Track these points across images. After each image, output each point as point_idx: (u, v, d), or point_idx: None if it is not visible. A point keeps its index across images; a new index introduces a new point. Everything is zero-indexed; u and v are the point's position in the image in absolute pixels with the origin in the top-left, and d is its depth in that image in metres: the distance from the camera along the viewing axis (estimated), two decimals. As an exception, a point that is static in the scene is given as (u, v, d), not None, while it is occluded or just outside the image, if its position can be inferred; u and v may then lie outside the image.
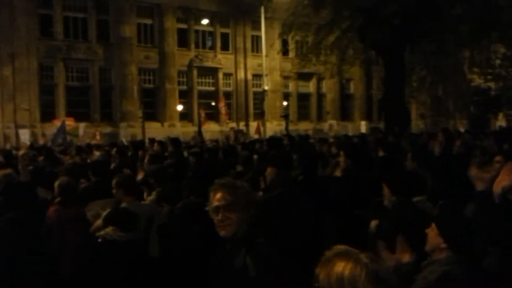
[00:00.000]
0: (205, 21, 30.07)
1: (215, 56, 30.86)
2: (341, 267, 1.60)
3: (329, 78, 26.90)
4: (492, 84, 25.81)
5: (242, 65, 31.74)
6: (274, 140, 10.62)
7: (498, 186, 3.09)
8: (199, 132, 21.07)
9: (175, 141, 10.31)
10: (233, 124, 29.04)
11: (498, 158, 4.90)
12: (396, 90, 17.85)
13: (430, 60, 19.30)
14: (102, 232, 3.51)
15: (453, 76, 21.31)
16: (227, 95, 30.88)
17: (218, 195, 2.54)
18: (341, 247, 1.66)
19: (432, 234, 2.63)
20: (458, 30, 16.64)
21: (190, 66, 29.91)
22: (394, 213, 3.48)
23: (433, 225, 2.66)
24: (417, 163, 5.64)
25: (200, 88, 30.60)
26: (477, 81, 25.64)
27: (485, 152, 7.51)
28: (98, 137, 21.85)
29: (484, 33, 17.64)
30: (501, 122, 29.77)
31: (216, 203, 2.53)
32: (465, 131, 14.53)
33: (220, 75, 31.13)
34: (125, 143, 16.41)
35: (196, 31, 30.50)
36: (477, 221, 2.87)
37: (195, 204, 4.06)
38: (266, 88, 28.33)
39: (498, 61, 24.58)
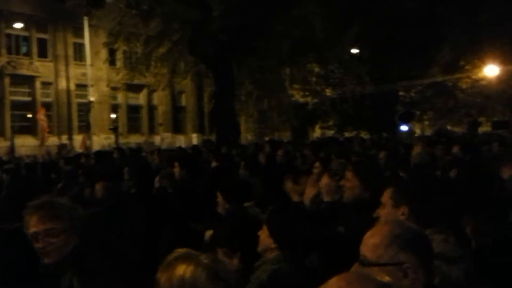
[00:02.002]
0: (18, 25, 27.15)
1: (31, 63, 28.12)
2: (182, 270, 1.61)
3: (160, 90, 26.70)
4: (309, 99, 28.73)
5: (63, 74, 29.52)
6: (102, 154, 10.11)
7: (306, 198, 3.49)
8: (11, 147, 18.81)
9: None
10: (54, 138, 26.73)
11: (317, 164, 5.42)
12: (226, 103, 18.55)
13: (256, 76, 20.59)
14: None
15: (277, 92, 23.05)
16: (47, 106, 28.25)
17: (34, 220, 2.23)
18: (181, 251, 1.67)
19: (264, 236, 2.81)
20: (279, 49, 18.11)
21: (1, 73, 26.73)
22: (229, 220, 3.62)
23: (264, 227, 2.83)
24: (249, 172, 5.97)
25: (13, 98, 27.52)
26: (297, 96, 28.25)
27: (305, 160, 8.30)
28: None
29: (301, 53, 19.53)
30: (317, 133, 33.31)
31: (33, 229, 2.22)
32: (287, 142, 15.80)
33: (38, 84, 28.48)
34: None
35: (8, 35, 27.44)
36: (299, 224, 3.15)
37: (15, 228, 3.57)
38: (92, 99, 26.73)
39: (314, 79, 27.47)
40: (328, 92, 27.96)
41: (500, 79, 29.51)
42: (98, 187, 4.73)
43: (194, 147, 14.14)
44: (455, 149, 6.16)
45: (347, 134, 27.41)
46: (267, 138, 22.39)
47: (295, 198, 3.79)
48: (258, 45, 17.53)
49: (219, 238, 2.93)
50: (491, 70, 29.05)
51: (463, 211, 3.69)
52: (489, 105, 31.66)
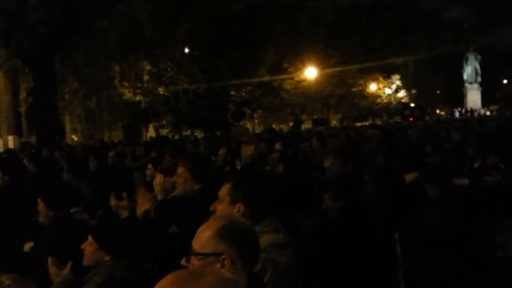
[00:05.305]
0: None
1: None
2: None
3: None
4: (141, 98, 27.95)
5: None
6: None
7: (140, 210, 3.47)
8: None
9: None
10: None
11: (149, 166, 5.20)
12: (47, 102, 17.08)
13: (82, 72, 19.32)
14: None
15: (106, 89, 21.99)
16: None
17: None
18: None
19: (92, 249, 2.59)
20: (105, 44, 17.31)
21: None
22: (53, 228, 3.33)
23: (90, 238, 2.64)
24: (73, 175, 5.55)
25: None
26: (128, 94, 27.25)
27: (135, 159, 8.08)
28: None
29: (131, 50, 18.96)
30: (151, 133, 32.60)
31: None
32: (118, 142, 15.13)
33: None
34: None
35: None
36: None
37: None
38: None
39: (146, 77, 26.84)
40: (161, 90, 27.65)
41: (318, 81, 32.97)
42: None
43: (9, 150, 12.64)
44: (277, 146, 6.59)
45: (183, 133, 27.46)
46: (96, 139, 21.14)
47: (125, 214, 3.59)
48: (81, 39, 16.53)
49: (52, 247, 2.67)
50: (310, 72, 32.30)
51: (288, 203, 3.98)
52: (310, 104, 35.09)
